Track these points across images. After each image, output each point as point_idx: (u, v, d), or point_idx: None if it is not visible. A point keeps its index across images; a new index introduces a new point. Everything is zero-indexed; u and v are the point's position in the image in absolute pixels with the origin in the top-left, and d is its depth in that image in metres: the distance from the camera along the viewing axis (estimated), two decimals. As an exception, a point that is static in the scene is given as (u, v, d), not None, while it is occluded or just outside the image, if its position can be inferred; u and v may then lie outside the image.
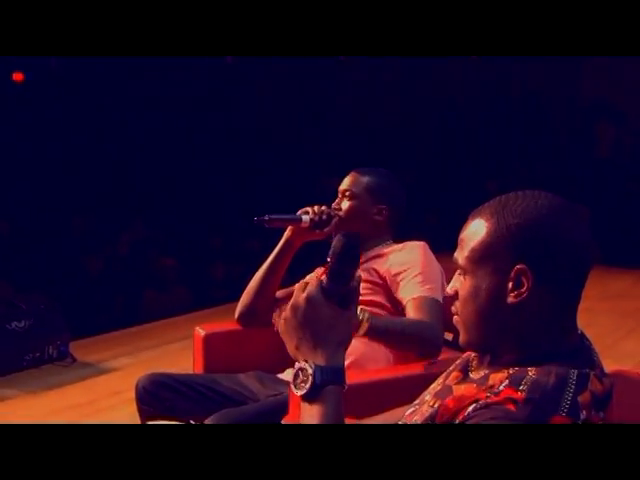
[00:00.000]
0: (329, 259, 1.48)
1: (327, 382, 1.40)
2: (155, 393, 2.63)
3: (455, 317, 1.51)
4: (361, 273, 2.58)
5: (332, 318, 1.44)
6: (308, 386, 1.39)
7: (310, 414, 1.38)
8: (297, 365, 1.41)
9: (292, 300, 1.45)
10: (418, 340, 2.40)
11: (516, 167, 8.83)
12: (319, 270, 2.91)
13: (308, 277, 2.87)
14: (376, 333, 2.33)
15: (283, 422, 2.08)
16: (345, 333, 1.46)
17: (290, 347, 1.45)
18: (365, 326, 2.29)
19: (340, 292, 1.46)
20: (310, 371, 1.39)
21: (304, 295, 1.44)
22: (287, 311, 1.45)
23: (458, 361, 1.62)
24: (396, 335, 2.39)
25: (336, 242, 1.49)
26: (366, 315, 2.30)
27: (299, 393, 1.40)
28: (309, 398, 1.39)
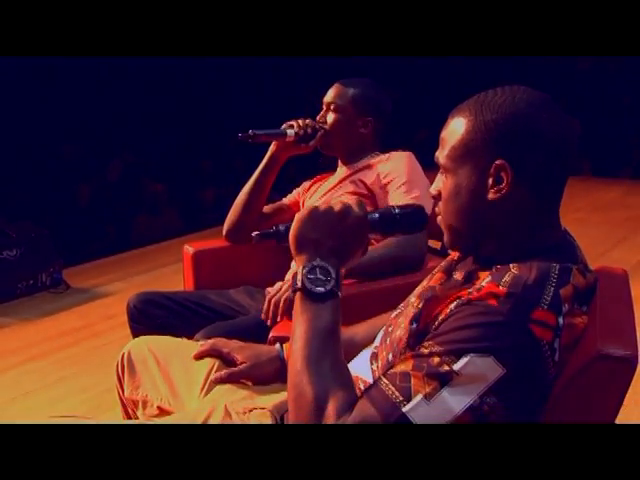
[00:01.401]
0: (396, 210, 1.52)
1: (339, 289, 1.41)
2: (146, 311, 2.64)
3: (439, 217, 1.51)
4: (349, 185, 2.61)
5: (362, 243, 1.47)
6: (330, 286, 1.38)
7: (315, 315, 1.37)
8: (317, 261, 1.40)
9: (344, 206, 1.44)
10: (400, 262, 2.40)
11: (505, 80, 8.73)
12: (306, 184, 2.91)
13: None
14: (357, 272, 2.32)
15: (273, 333, 2.10)
16: (356, 261, 1.49)
17: (306, 234, 1.43)
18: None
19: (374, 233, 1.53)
20: (333, 274, 1.40)
21: (359, 211, 1.45)
22: (336, 208, 1.44)
23: (442, 263, 1.63)
24: (378, 266, 2.37)
25: (416, 209, 1.55)
26: None
27: (318, 290, 1.38)
28: (323, 299, 1.38)
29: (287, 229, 1.49)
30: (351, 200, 1.47)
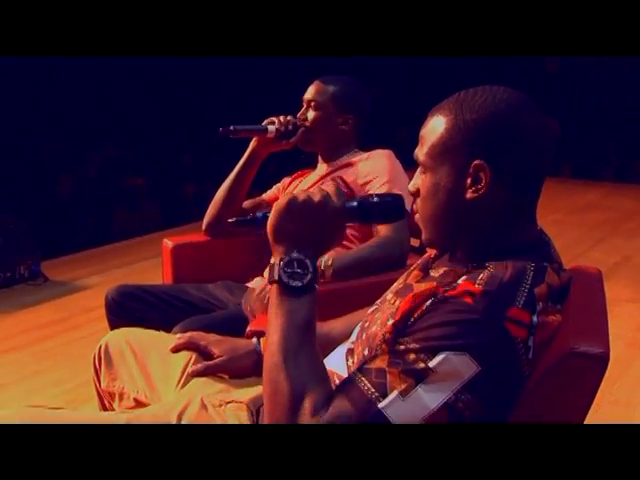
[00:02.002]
0: (374, 198, 1.51)
1: (315, 283, 1.40)
2: (124, 304, 2.63)
3: (416, 215, 1.52)
4: (329, 183, 2.62)
5: (340, 233, 1.46)
6: (307, 280, 1.37)
7: (292, 308, 1.37)
8: (294, 254, 1.38)
9: (322, 196, 1.41)
10: (383, 262, 2.40)
11: (483, 80, 8.77)
12: (286, 180, 2.92)
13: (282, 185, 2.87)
14: (342, 273, 2.32)
15: (250, 326, 2.11)
16: (330, 249, 1.48)
17: (284, 225, 1.40)
18: (330, 270, 2.30)
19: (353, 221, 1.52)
20: (311, 267, 1.38)
21: (337, 201, 1.42)
22: (315, 199, 1.41)
23: (419, 261, 1.64)
24: (361, 267, 2.37)
25: (394, 198, 1.54)
26: (329, 261, 2.30)
27: (294, 284, 1.37)
28: (300, 293, 1.38)
29: (264, 216, 1.47)
30: (330, 188, 1.45)
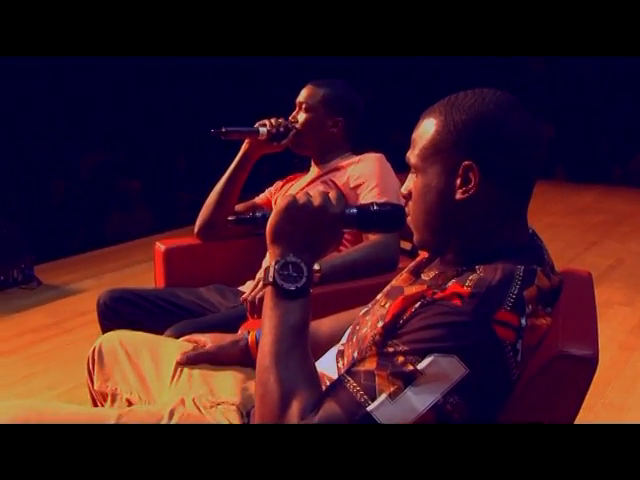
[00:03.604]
0: (375, 207, 1.50)
1: (310, 287, 1.40)
2: (116, 308, 2.63)
3: (409, 218, 1.52)
4: (320, 185, 2.62)
5: (337, 239, 1.47)
6: (302, 284, 1.38)
7: (285, 311, 1.37)
8: (290, 257, 1.39)
9: (322, 200, 1.42)
10: (373, 265, 2.39)
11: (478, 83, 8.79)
12: (279, 183, 2.91)
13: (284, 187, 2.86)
14: (330, 278, 2.31)
15: (242, 329, 2.11)
16: (327, 254, 1.49)
17: (282, 227, 1.41)
18: (317, 276, 2.29)
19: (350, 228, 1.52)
20: (305, 271, 1.39)
21: (337, 207, 1.44)
22: (315, 203, 1.42)
23: (412, 264, 1.64)
24: (350, 271, 2.36)
25: (395, 208, 1.53)
26: (316, 265, 2.29)
27: (289, 287, 1.38)
28: (294, 296, 1.38)
29: (264, 217, 1.48)
30: (331, 193, 1.46)
